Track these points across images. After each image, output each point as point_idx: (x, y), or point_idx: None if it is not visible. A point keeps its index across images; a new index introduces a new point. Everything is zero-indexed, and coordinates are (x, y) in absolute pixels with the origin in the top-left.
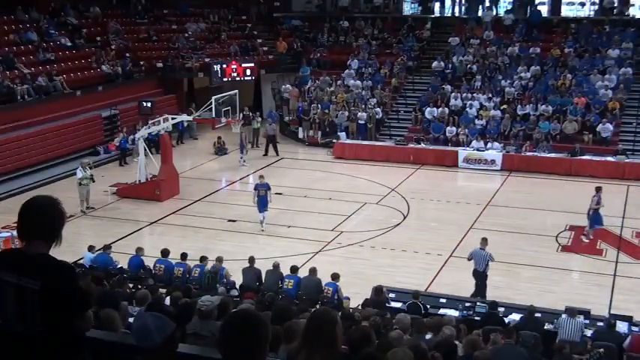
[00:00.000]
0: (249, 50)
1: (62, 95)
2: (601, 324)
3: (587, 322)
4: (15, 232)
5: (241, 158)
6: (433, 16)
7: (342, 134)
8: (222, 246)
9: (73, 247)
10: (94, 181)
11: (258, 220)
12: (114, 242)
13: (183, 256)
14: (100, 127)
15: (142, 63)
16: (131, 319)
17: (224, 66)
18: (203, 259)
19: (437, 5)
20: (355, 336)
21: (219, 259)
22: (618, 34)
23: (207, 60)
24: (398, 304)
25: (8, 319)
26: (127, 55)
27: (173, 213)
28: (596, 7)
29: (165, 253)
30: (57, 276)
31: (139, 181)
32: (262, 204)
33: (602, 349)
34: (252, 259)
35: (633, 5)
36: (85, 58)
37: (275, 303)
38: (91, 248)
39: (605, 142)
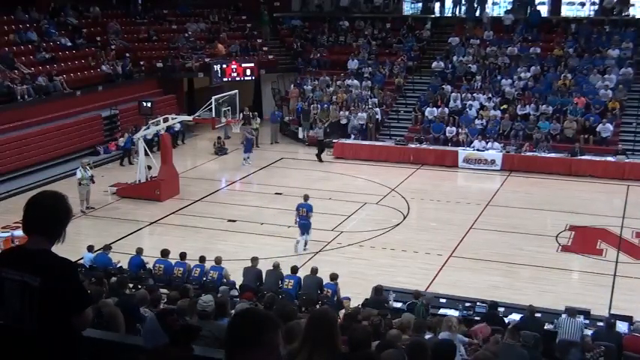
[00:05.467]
0: (249, 50)
1: (62, 95)
2: (601, 324)
3: (587, 322)
4: (15, 232)
5: (247, 158)
6: (433, 16)
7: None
8: (222, 246)
9: (72, 247)
10: (93, 182)
11: (298, 241)
12: (114, 242)
13: (182, 255)
14: (100, 127)
15: (142, 63)
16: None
17: (224, 66)
18: (202, 259)
19: (437, 5)
20: (356, 335)
21: (218, 260)
22: (618, 34)
23: (207, 60)
24: (398, 304)
25: (10, 316)
26: (127, 55)
27: (173, 213)
28: (596, 7)
29: (165, 253)
30: (57, 273)
31: (139, 181)
32: (303, 226)
33: (603, 348)
34: (254, 259)
35: (633, 5)
36: (85, 58)
37: (277, 303)
38: (90, 248)
39: (605, 142)
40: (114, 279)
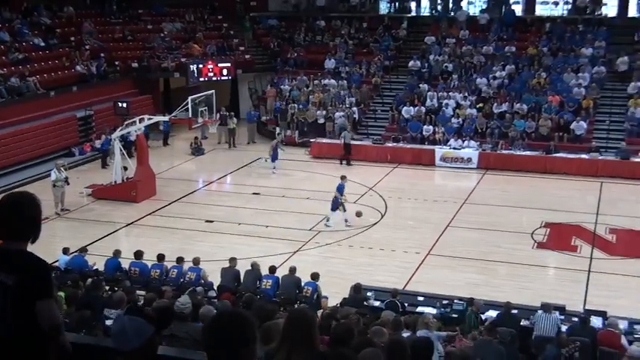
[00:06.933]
0: (226, 50)
1: (36, 96)
2: (576, 319)
3: (563, 317)
4: None
5: (274, 168)
6: (409, 15)
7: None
8: (200, 247)
9: (47, 249)
10: (68, 184)
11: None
12: (90, 244)
13: (160, 257)
14: (74, 128)
15: (117, 63)
16: (108, 322)
17: (200, 66)
18: (180, 260)
19: (413, 4)
20: (338, 332)
21: (196, 261)
22: (591, 33)
23: (183, 60)
24: (376, 303)
25: None
26: (102, 55)
27: (149, 214)
28: (569, 6)
29: (138, 255)
30: (32, 272)
31: (115, 182)
32: (332, 204)
33: (578, 343)
34: (232, 260)
35: (605, 4)
36: (59, 59)
37: (254, 303)
38: (65, 251)
39: (579, 139)
40: (89, 281)
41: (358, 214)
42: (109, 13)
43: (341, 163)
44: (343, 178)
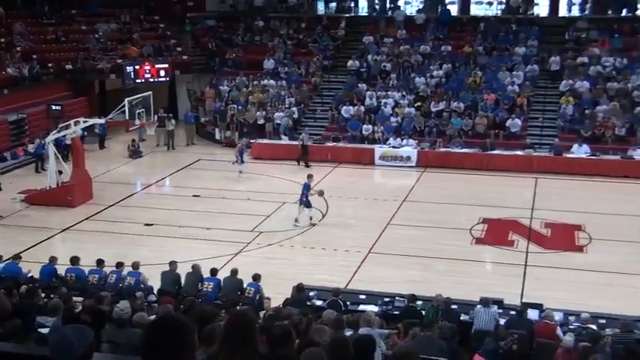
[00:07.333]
0: (163, 51)
1: None
2: (513, 312)
3: (501, 311)
4: None
5: (239, 170)
6: (348, 15)
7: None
8: (140, 251)
9: None
10: (0, 189)
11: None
12: (24, 251)
13: (99, 262)
14: (6, 133)
15: (50, 65)
16: (43, 330)
17: (137, 67)
18: (119, 265)
19: (352, 4)
20: (276, 333)
21: (135, 265)
22: (524, 33)
23: (119, 61)
24: (319, 302)
25: None
26: (34, 57)
27: (87, 219)
28: (503, 6)
29: (74, 260)
30: None
31: (50, 186)
32: (304, 202)
33: (516, 335)
34: (172, 263)
35: (537, 4)
36: None
37: (195, 306)
38: None
39: (514, 136)
40: (24, 288)
41: (320, 194)
42: (40, 13)
43: (298, 164)
44: (309, 177)
